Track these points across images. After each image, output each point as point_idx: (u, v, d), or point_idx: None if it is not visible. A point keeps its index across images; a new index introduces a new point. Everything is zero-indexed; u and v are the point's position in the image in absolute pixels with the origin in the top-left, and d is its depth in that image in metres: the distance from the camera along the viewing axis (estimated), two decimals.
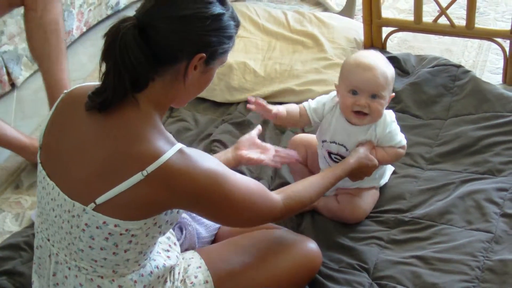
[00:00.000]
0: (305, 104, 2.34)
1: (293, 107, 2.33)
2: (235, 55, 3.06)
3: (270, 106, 2.26)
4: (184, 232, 2.13)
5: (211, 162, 1.73)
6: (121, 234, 1.69)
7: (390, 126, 2.27)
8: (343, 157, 2.26)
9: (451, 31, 3.07)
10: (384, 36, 3.23)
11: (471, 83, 2.91)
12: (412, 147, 2.66)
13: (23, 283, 2.20)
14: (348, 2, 3.55)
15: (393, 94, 2.27)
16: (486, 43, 3.28)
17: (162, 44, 1.66)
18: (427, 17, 3.16)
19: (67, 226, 1.73)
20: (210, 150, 2.70)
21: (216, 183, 1.71)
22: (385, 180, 2.49)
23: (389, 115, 2.28)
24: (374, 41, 3.21)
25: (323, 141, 2.33)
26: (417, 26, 3.12)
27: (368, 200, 2.40)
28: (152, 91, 1.70)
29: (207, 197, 1.71)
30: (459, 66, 3.02)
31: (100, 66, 1.69)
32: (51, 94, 2.77)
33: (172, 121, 2.96)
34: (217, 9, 1.69)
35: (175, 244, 1.96)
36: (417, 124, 2.80)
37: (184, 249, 2.09)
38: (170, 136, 1.71)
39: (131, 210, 1.67)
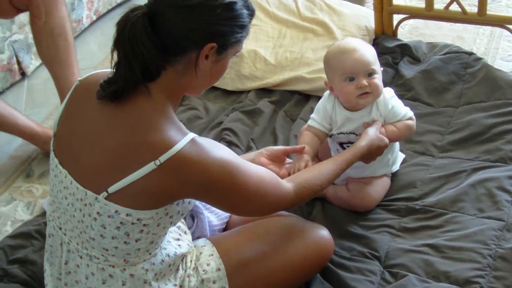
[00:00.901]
0: (309, 123, 2.35)
1: (307, 139, 2.32)
2: (245, 43, 3.03)
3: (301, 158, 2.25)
4: (195, 220, 2.14)
5: (223, 152, 1.72)
6: (132, 224, 1.69)
7: (391, 101, 2.28)
8: (352, 143, 2.26)
9: (463, 18, 3.05)
10: (395, 23, 3.21)
11: (483, 70, 2.89)
12: (424, 135, 2.66)
13: (35, 271, 2.21)
14: None
15: (382, 68, 2.30)
16: (498, 30, 3.26)
17: (172, 34, 1.66)
18: (438, 4, 3.13)
19: (79, 214, 1.74)
20: (221, 139, 2.70)
21: (228, 172, 1.70)
22: (396, 167, 2.48)
23: (387, 92, 2.30)
24: (385, 28, 3.19)
25: (331, 136, 2.34)
26: (428, 13, 3.10)
27: (379, 188, 2.39)
28: (165, 80, 1.70)
29: (220, 187, 1.71)
30: (470, 54, 3.00)
31: (112, 56, 1.69)
32: (63, 98, 2.77)
33: (183, 110, 2.95)
34: None
35: (185, 233, 1.97)
36: (429, 112, 2.78)
37: (195, 237, 2.09)
38: (183, 126, 1.71)
39: (143, 199, 1.68)
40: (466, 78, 2.90)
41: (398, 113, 2.29)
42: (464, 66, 2.94)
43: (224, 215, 2.20)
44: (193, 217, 2.15)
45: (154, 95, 1.70)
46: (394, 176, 2.49)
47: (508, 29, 3.03)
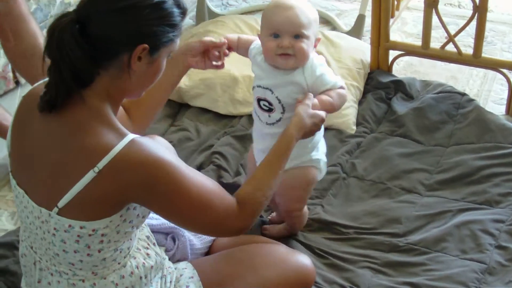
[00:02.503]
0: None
1: (245, 40, 2.21)
2: (240, 68, 3.06)
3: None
4: (176, 242, 2.13)
5: (164, 152, 1.67)
6: (90, 235, 1.67)
7: (319, 69, 2.09)
8: (270, 104, 2.12)
9: (458, 58, 3.08)
10: (390, 59, 3.23)
11: (474, 112, 2.92)
12: (412, 172, 2.67)
13: (15, 282, 2.20)
14: (357, 23, 3.56)
15: (319, 37, 2.15)
16: (491, 72, 3.28)
17: (101, 38, 1.62)
18: (434, 43, 3.16)
19: (40, 232, 1.72)
20: (211, 162, 2.70)
21: (170, 174, 1.65)
22: (317, 154, 2.24)
23: (316, 58, 2.11)
24: (380, 63, 3.22)
25: (252, 88, 2.19)
26: (424, 51, 3.12)
27: (298, 181, 2.23)
28: (99, 85, 1.66)
29: (162, 189, 1.65)
30: (463, 94, 3.03)
31: (43, 64, 1.66)
32: None
33: (174, 130, 2.95)
34: None
35: (154, 244, 1.93)
36: (418, 150, 2.80)
37: (176, 260, 2.08)
38: (122, 128, 1.66)
39: (92, 209, 1.64)
40: (458, 118, 2.92)
41: (328, 81, 2.09)
42: (456, 106, 2.96)
43: (208, 238, 2.20)
44: (174, 239, 2.14)
45: (90, 101, 1.65)
46: (379, 210, 2.49)
47: (501, 72, 3.06)
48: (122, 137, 1.63)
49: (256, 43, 2.17)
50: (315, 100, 2.04)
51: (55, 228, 1.67)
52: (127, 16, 1.62)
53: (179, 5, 1.69)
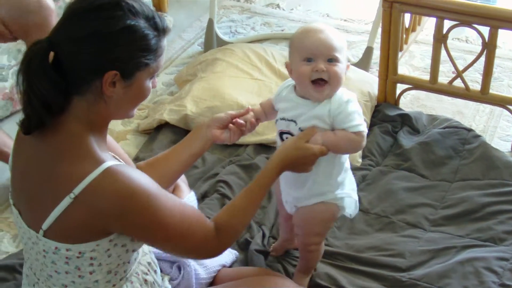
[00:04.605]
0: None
1: (262, 103, 2.21)
2: (248, 97, 3.07)
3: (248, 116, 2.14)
4: (182, 271, 2.12)
5: (142, 181, 1.64)
6: (78, 258, 1.66)
7: (347, 104, 2.02)
8: (293, 136, 2.06)
9: (465, 94, 3.09)
10: (398, 92, 3.24)
11: (480, 148, 2.91)
12: (417, 207, 2.66)
13: None
14: (365, 55, 3.56)
15: (349, 63, 2.09)
16: (498, 109, 3.28)
17: (70, 66, 1.60)
18: (441, 77, 3.16)
19: (33, 253, 1.72)
20: (215, 190, 2.70)
21: (144, 205, 1.63)
22: (343, 192, 2.16)
23: (347, 93, 2.05)
24: (387, 97, 3.22)
25: (276, 121, 2.14)
26: (432, 86, 3.13)
27: (315, 221, 2.19)
28: (78, 110, 1.64)
29: (136, 220, 1.63)
30: (470, 130, 3.03)
31: (18, 90, 1.64)
32: None
33: None
34: (125, 22, 1.60)
35: (155, 272, 1.92)
36: (424, 185, 2.79)
37: None
38: (101, 154, 1.64)
39: (75, 233, 1.63)
40: (464, 154, 2.91)
41: (349, 120, 2.01)
42: (463, 142, 2.96)
43: (213, 269, 2.19)
44: (180, 268, 2.13)
45: (69, 126, 1.64)
46: (381, 243, 2.48)
47: (508, 109, 3.06)
48: (98, 165, 1.61)
49: (278, 89, 2.15)
50: (317, 135, 1.99)
51: (44, 250, 1.67)
52: (92, 43, 1.59)
53: (153, 26, 1.65)
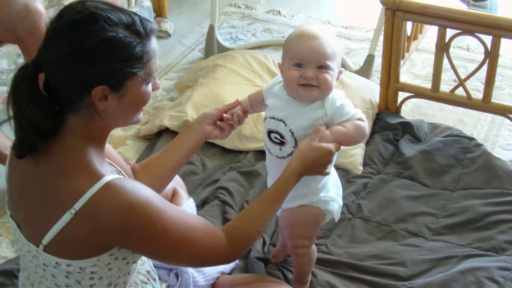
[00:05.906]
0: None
1: (256, 92, 2.18)
2: None
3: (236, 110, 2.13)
4: (180, 279, 2.11)
5: (143, 195, 1.62)
6: (78, 272, 1.64)
7: (339, 100, 2.02)
8: (282, 137, 2.04)
9: (467, 103, 3.08)
10: (399, 100, 3.23)
11: (482, 157, 2.90)
12: (419, 216, 2.65)
13: None
14: (366, 62, 3.56)
15: (342, 69, 2.05)
16: (499, 118, 3.27)
17: (56, 87, 1.59)
18: (443, 85, 3.15)
19: (32, 265, 1.70)
20: (216, 197, 2.68)
21: (146, 218, 1.61)
22: (327, 195, 2.15)
23: (336, 92, 2.04)
24: (389, 105, 3.21)
25: (264, 119, 2.11)
26: (434, 94, 3.12)
27: (302, 220, 2.17)
28: (74, 127, 1.62)
29: (138, 235, 1.61)
30: (471, 139, 3.02)
31: (8, 113, 1.61)
32: None
33: None
34: (101, 35, 1.56)
35: (154, 280, 1.91)
36: (425, 193, 2.78)
37: None
38: (100, 168, 1.62)
39: (75, 249, 1.62)
40: (465, 163, 2.90)
41: (347, 111, 2.01)
42: (464, 150, 2.95)
43: (211, 276, 2.18)
44: (177, 275, 2.12)
45: (67, 142, 1.62)
46: (385, 252, 2.47)
47: (510, 118, 3.05)
48: (98, 179, 1.59)
49: (271, 82, 2.14)
50: (327, 132, 1.97)
51: (44, 264, 1.65)
52: (69, 62, 1.56)
53: (137, 33, 1.60)
